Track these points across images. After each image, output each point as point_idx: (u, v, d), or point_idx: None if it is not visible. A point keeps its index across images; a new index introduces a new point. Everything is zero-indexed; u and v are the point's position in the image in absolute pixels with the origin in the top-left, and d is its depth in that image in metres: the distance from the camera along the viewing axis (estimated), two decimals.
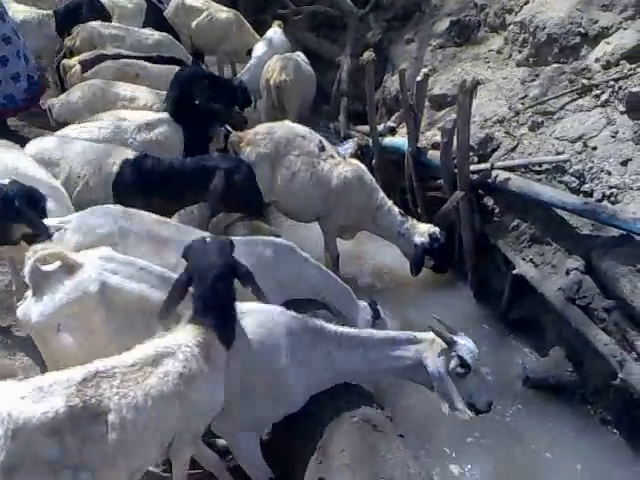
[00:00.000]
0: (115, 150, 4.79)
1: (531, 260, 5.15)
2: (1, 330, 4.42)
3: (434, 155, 5.86)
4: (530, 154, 5.47)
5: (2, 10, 6.42)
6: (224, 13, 8.71)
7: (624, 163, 4.92)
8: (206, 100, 5.68)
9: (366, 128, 7.06)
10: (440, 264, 5.59)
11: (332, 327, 3.30)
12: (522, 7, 6.63)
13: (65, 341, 3.06)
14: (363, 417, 3.17)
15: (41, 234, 3.56)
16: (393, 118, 7.22)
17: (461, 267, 5.87)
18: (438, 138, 5.80)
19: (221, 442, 3.49)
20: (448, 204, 5.67)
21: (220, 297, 2.82)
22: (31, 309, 3.09)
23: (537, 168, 5.32)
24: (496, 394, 3.46)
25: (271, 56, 7.47)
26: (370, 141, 6.81)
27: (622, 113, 5.18)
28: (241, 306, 3.16)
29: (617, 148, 5.02)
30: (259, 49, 8.16)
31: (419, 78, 5.96)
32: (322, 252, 5.68)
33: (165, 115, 5.50)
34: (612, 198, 4.79)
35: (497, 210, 5.56)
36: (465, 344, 3.24)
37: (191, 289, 2.85)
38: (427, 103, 6.51)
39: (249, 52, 8.39)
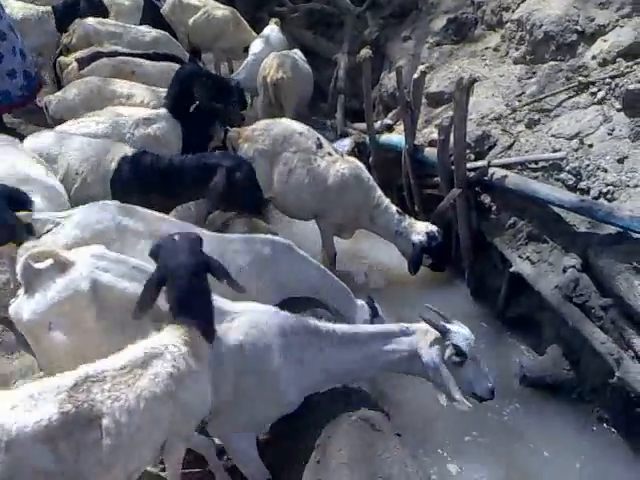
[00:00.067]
0: (113, 146, 4.78)
1: (528, 258, 5.14)
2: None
3: (431, 152, 5.86)
4: (527, 151, 5.46)
5: None
6: (221, 10, 8.72)
7: (620, 160, 4.92)
8: (206, 98, 5.67)
9: (363, 125, 7.06)
10: (438, 262, 5.60)
11: (326, 325, 3.27)
12: (519, 5, 6.62)
13: (57, 339, 3.05)
14: (361, 416, 3.15)
15: (17, 236, 3.54)
16: (390, 115, 7.21)
17: (458, 265, 5.87)
18: (435, 135, 5.79)
19: (219, 442, 3.49)
20: (445, 202, 5.67)
21: (197, 294, 2.80)
22: (23, 307, 3.08)
23: (534, 165, 5.31)
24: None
25: (268, 54, 7.45)
26: (367, 139, 6.81)
27: (618, 110, 5.18)
28: (234, 306, 3.15)
29: (613, 145, 5.02)
30: (256, 47, 8.16)
31: (416, 75, 5.95)
32: (320, 250, 5.68)
33: (163, 111, 5.50)
34: (609, 196, 4.79)
35: (494, 208, 5.56)
36: (459, 331, 3.18)
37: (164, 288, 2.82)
38: (424, 100, 6.50)
39: (246, 49, 8.38)
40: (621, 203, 4.67)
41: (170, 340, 2.66)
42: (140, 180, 4.59)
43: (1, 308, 4.46)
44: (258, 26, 9.00)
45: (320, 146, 5.51)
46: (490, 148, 5.74)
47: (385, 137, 6.74)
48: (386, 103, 7.70)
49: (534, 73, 6.06)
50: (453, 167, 5.50)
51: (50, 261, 3.11)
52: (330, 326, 3.28)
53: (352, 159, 5.66)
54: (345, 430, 3.08)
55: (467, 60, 6.90)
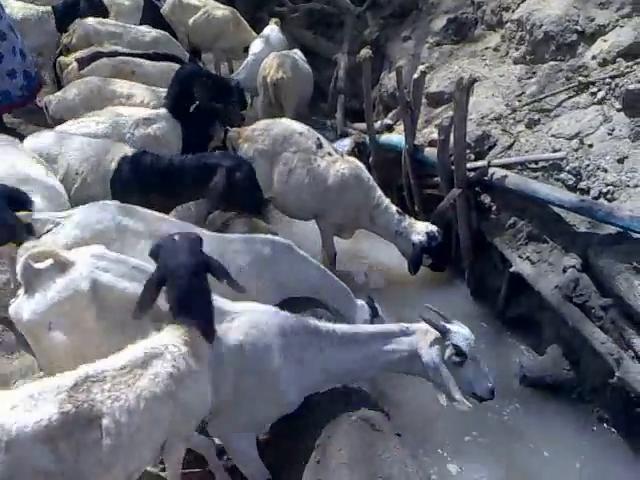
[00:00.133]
0: (113, 146, 4.78)
1: (528, 258, 5.14)
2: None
3: (431, 152, 5.86)
4: (527, 151, 5.46)
5: None
6: (221, 10, 8.72)
7: (620, 160, 4.92)
8: (206, 98, 5.67)
9: (363, 126, 7.05)
10: (438, 262, 5.59)
11: (326, 325, 3.27)
12: (519, 5, 6.62)
13: (57, 339, 3.05)
14: (361, 416, 3.15)
15: (17, 236, 3.54)
16: (390, 115, 7.21)
17: (458, 265, 5.87)
18: (435, 135, 5.79)
19: (219, 442, 3.48)
20: (445, 202, 5.67)
21: (197, 294, 2.79)
22: (23, 307, 3.08)
23: (534, 165, 5.31)
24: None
25: (268, 54, 7.45)
26: (367, 139, 6.81)
27: (618, 110, 5.17)
28: (234, 306, 3.15)
29: (613, 145, 5.02)
30: (256, 47, 8.16)
31: (416, 75, 5.95)
32: (320, 250, 5.67)
33: (163, 111, 5.50)
34: (609, 196, 4.79)
35: (494, 208, 5.56)
36: (459, 331, 3.17)
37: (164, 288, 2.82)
38: (424, 100, 6.50)
39: (246, 49, 8.38)
40: (621, 203, 4.67)
41: (170, 340, 2.66)
42: (140, 180, 4.59)
43: (1, 308, 4.46)
44: (258, 26, 9.00)
45: (320, 146, 5.51)
46: (490, 148, 5.74)
47: (385, 137, 6.74)
48: (386, 103, 7.70)
49: (534, 73, 6.06)
50: (453, 167, 5.50)
51: (50, 261, 3.11)
52: (330, 326, 3.28)
53: (352, 159, 5.66)
54: (345, 430, 3.08)
55: (467, 60, 6.90)
